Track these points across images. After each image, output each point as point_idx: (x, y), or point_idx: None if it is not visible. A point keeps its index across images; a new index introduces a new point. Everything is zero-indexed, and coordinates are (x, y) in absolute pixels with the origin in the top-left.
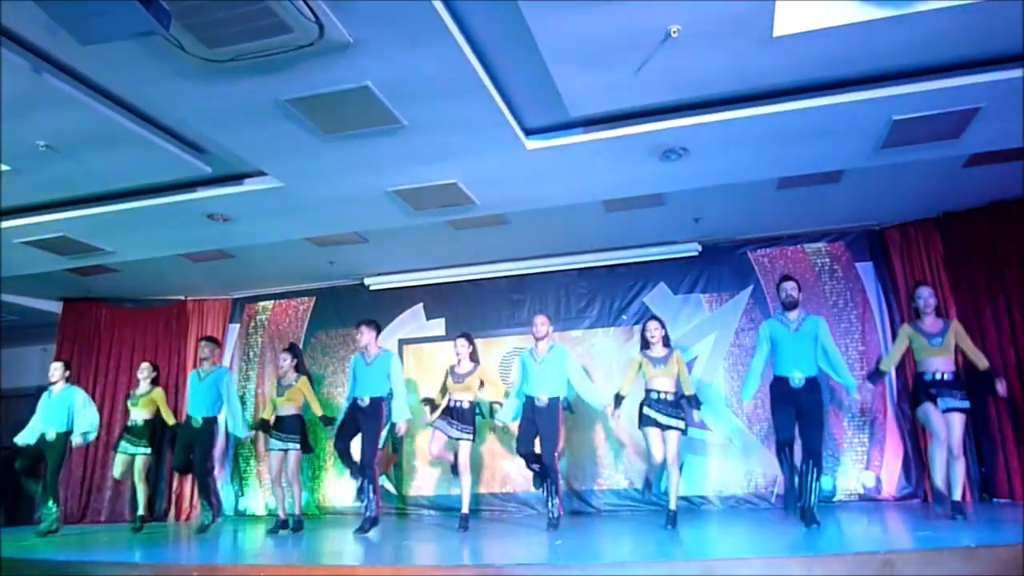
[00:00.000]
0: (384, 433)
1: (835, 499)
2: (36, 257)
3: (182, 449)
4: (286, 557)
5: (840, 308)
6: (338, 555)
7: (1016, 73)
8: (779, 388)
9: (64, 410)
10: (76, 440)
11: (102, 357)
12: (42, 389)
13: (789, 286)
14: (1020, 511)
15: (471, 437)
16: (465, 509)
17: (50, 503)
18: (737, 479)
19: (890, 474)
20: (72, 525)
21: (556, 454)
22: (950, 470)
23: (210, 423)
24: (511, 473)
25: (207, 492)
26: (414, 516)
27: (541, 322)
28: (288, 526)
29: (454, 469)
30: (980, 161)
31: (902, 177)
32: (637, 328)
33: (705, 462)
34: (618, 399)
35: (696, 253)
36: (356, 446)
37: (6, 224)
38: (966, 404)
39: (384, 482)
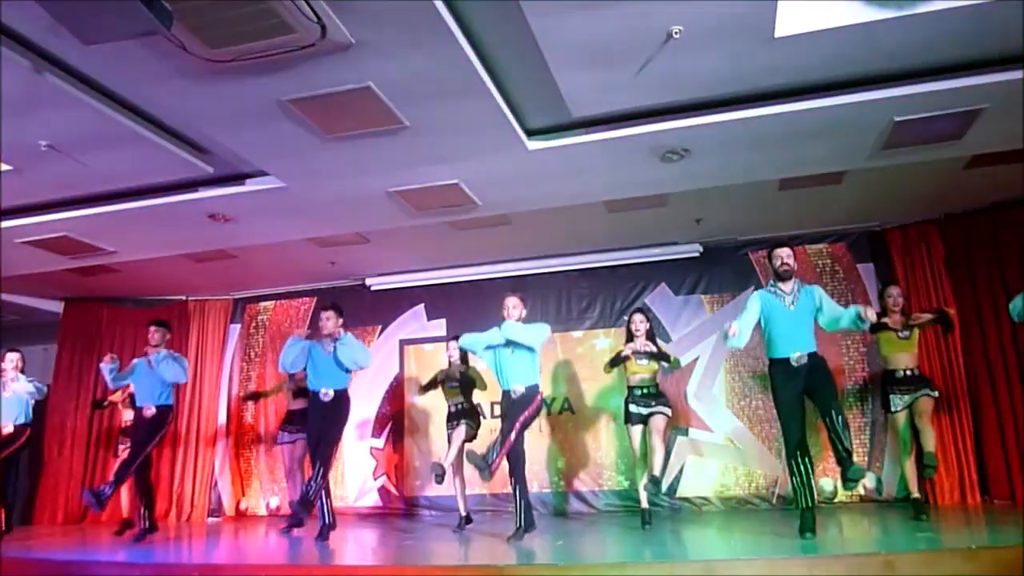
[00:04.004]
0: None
1: (836, 500)
2: (37, 257)
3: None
4: (287, 557)
5: None
6: (338, 555)
7: (1018, 74)
8: (781, 371)
9: (22, 403)
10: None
11: (103, 357)
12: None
13: (784, 253)
14: (1020, 512)
15: (473, 435)
16: (463, 510)
17: None
18: (738, 480)
19: (891, 475)
20: (73, 525)
21: (514, 436)
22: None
23: (164, 412)
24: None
25: (146, 494)
26: (414, 516)
27: (513, 304)
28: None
29: (438, 479)
30: (982, 163)
31: (903, 178)
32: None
33: (706, 463)
34: (615, 360)
35: (697, 254)
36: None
37: (7, 224)
38: (935, 393)
39: (384, 482)
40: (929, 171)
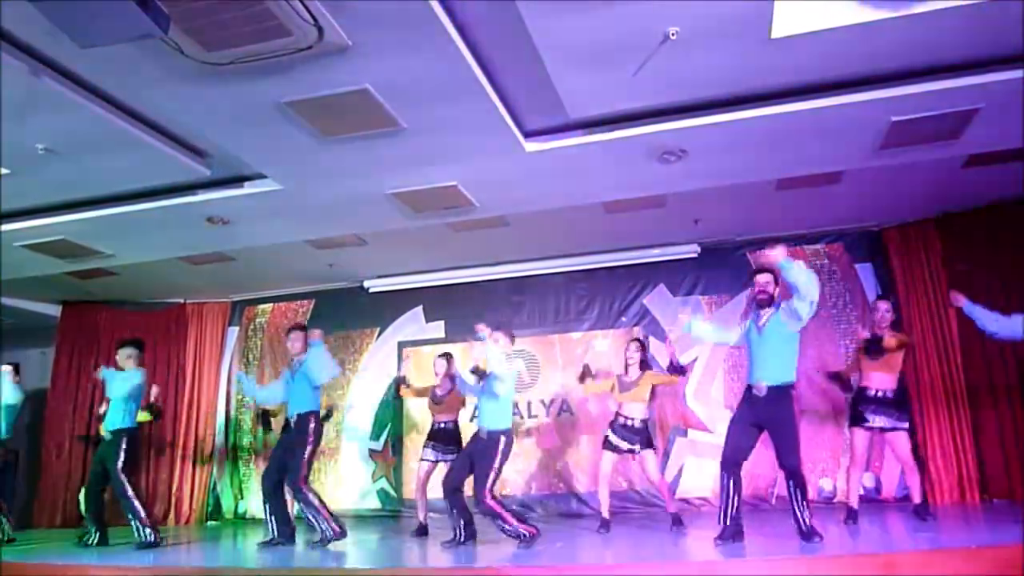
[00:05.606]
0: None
1: (835, 500)
2: (36, 260)
3: (95, 464)
4: (286, 560)
5: (839, 309)
6: (336, 558)
7: (1015, 73)
8: (743, 397)
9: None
10: None
11: (101, 360)
12: (41, 392)
13: (762, 280)
14: (1020, 511)
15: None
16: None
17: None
18: None
19: (890, 475)
20: (71, 528)
21: (488, 492)
22: (908, 480)
23: (118, 436)
24: (508, 476)
25: (134, 512)
26: (413, 518)
27: (494, 339)
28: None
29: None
30: (979, 162)
31: (901, 178)
32: (637, 330)
33: (705, 464)
34: (584, 375)
35: (695, 255)
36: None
37: (6, 227)
38: (904, 425)
39: (383, 484)
40: (927, 170)
